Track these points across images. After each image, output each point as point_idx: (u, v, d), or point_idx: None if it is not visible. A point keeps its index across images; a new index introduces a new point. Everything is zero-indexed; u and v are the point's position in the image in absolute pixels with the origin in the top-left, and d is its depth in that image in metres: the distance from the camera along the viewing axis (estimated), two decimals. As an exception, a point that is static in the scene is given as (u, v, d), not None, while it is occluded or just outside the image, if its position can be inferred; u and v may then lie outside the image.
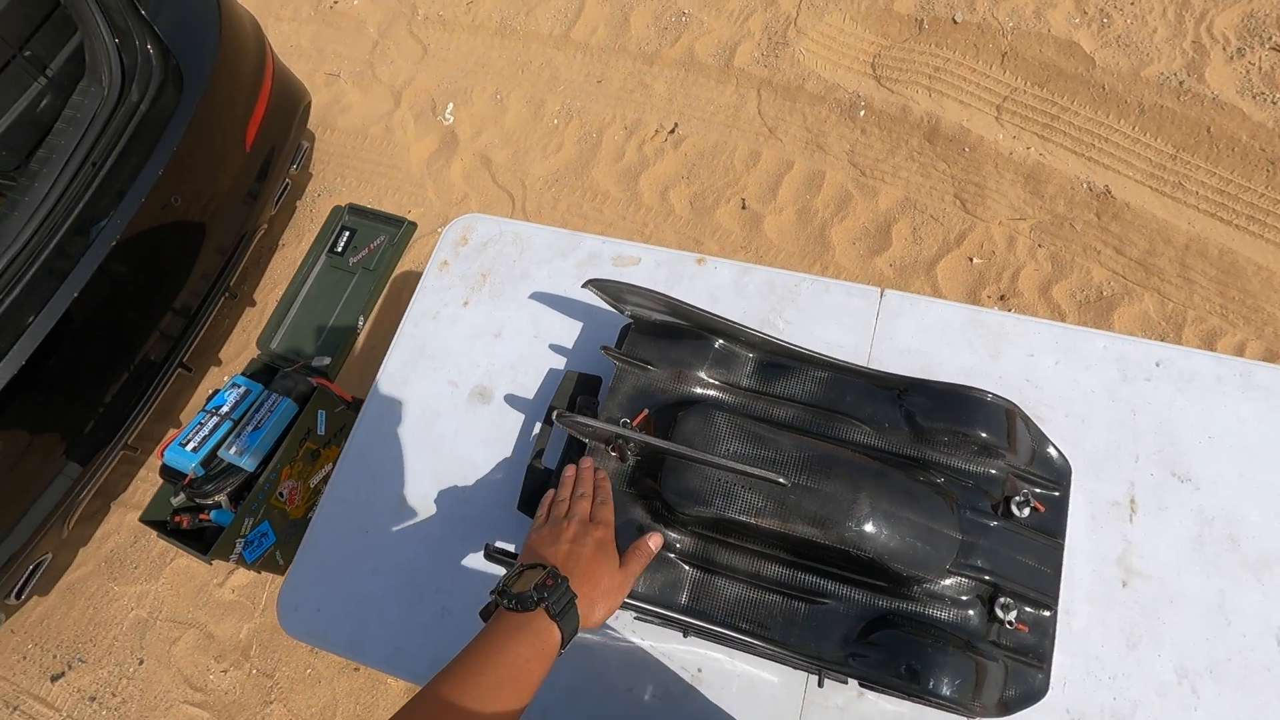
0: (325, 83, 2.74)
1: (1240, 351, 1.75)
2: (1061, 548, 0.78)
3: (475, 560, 0.95)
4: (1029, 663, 0.73)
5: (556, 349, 1.06)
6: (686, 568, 0.79)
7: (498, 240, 1.16)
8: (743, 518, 0.74)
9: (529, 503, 0.87)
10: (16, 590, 1.72)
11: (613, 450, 0.82)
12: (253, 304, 2.31)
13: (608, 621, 0.87)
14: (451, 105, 2.56)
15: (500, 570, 0.88)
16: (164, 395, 1.80)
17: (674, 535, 0.79)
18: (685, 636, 0.83)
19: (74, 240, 1.45)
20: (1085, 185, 1.94)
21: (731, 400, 0.85)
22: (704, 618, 0.77)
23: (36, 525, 1.58)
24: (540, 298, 1.09)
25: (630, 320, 0.91)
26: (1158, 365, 0.92)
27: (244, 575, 1.81)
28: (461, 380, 1.06)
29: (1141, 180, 1.94)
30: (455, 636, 0.91)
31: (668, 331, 0.88)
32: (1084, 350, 0.94)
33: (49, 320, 1.40)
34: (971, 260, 1.97)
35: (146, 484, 2.11)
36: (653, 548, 0.75)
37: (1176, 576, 0.81)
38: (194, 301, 1.76)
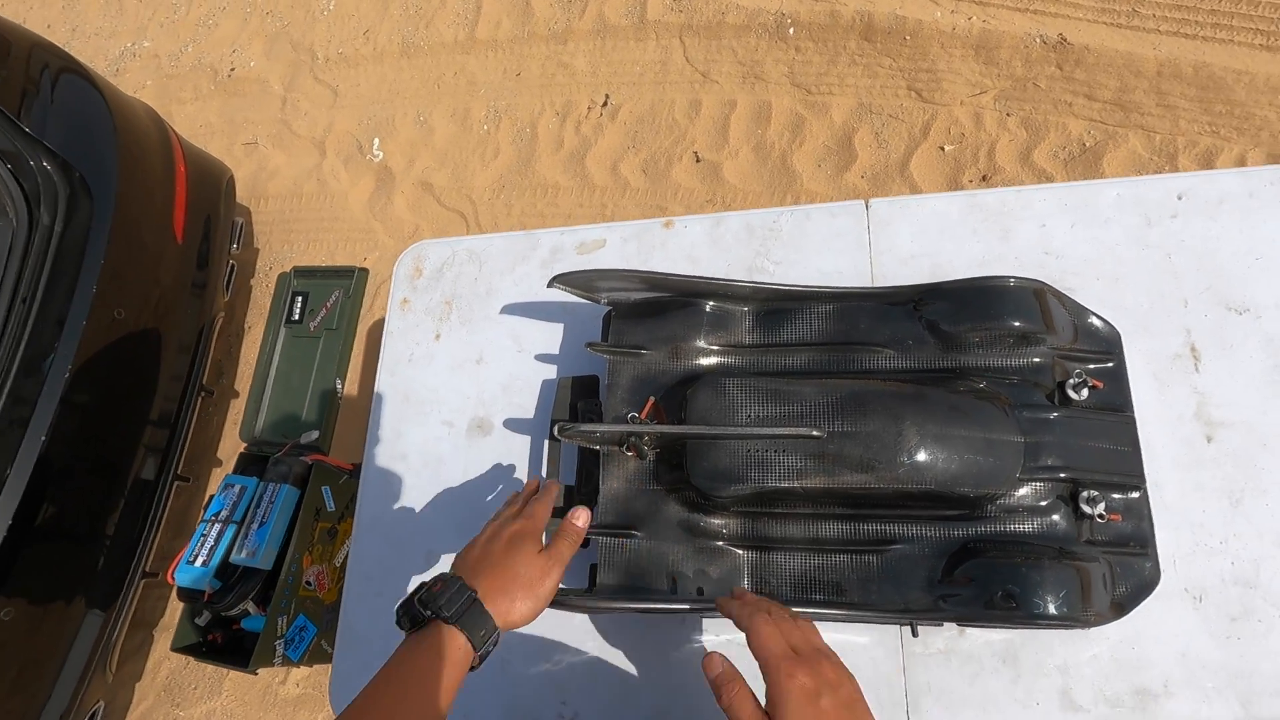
0: (245, 153, 2.64)
1: (1242, 164, 1.66)
2: (1133, 420, 0.71)
3: (519, 600, 0.88)
4: (1132, 552, 0.67)
5: (544, 358, 0.98)
6: (740, 551, 0.72)
7: (452, 262, 1.08)
8: (784, 484, 0.67)
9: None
10: (80, 746, 1.67)
11: (628, 450, 0.75)
12: (236, 395, 2.23)
13: (679, 631, 0.80)
14: (377, 141, 2.46)
15: (571, 618, 0.82)
16: (169, 511, 1.74)
17: (718, 521, 0.72)
18: (759, 622, 0.76)
19: (26, 383, 1.37)
20: (1038, 40, 1.84)
21: (739, 362, 0.78)
22: (774, 600, 0.70)
23: (77, 679, 1.52)
24: (513, 310, 1.02)
25: (610, 307, 0.83)
26: (1180, 199, 0.84)
27: (303, 669, 1.76)
28: (455, 418, 0.99)
29: (1094, 19, 1.84)
30: (522, 685, 0.85)
31: (652, 309, 0.80)
32: (1097, 204, 0.86)
33: (24, 470, 1.33)
34: (943, 149, 1.88)
35: (179, 603, 2.05)
36: (579, 525, 0.68)
37: (1263, 416, 0.74)
38: (170, 408, 1.69)
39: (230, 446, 2.19)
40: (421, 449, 0.99)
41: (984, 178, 1.83)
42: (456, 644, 0.59)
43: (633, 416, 0.75)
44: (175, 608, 2.05)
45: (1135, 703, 0.69)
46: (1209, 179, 0.84)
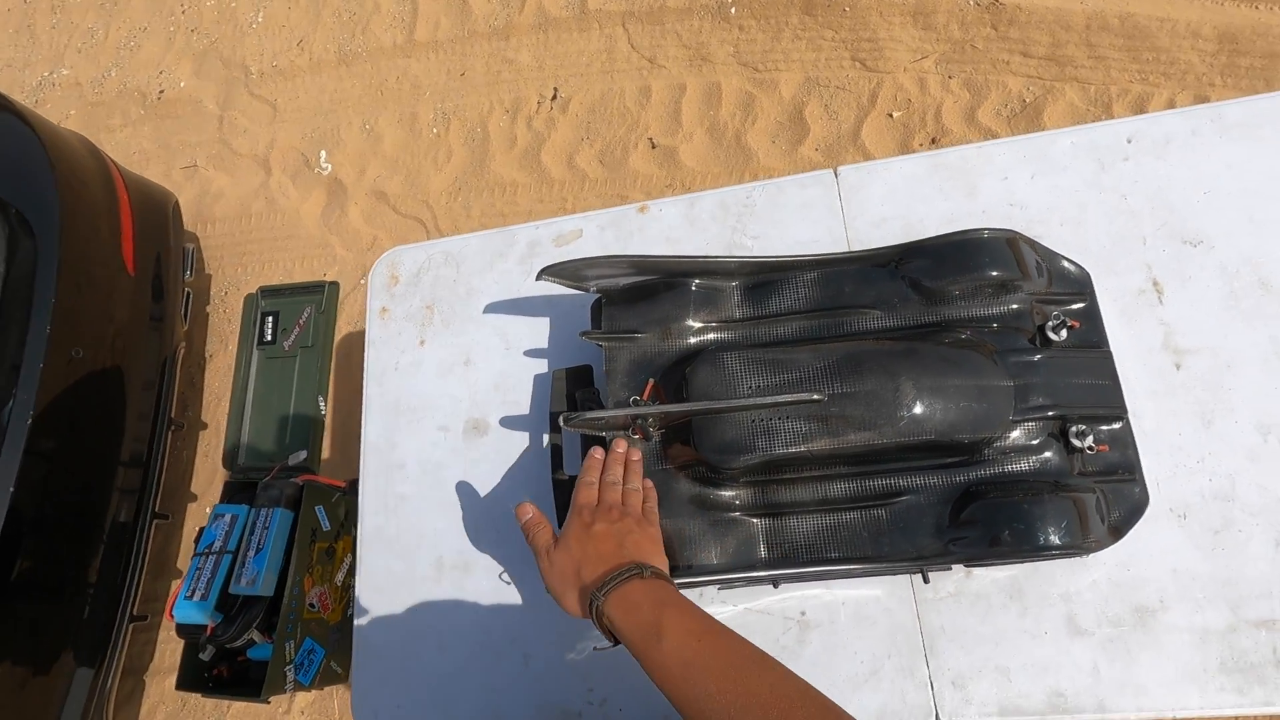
0: (185, 177, 2.55)
1: (1173, 107, 1.74)
2: (1110, 355, 0.74)
3: (536, 595, 0.88)
4: (1122, 479, 0.70)
5: (533, 354, 0.98)
6: (754, 520, 0.74)
7: (428, 266, 1.07)
8: (792, 450, 0.69)
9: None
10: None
11: (634, 433, 0.76)
12: (204, 426, 2.17)
13: (702, 604, 0.82)
14: (324, 153, 2.40)
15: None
16: (150, 552, 1.69)
17: (729, 493, 0.74)
18: (776, 587, 0.78)
19: (-13, 434, 1.32)
20: (972, 2, 1.90)
21: (732, 337, 0.79)
22: (790, 563, 0.72)
23: (73, 732, 1.47)
24: (497, 308, 1.01)
25: (599, 295, 0.84)
26: (1129, 141, 0.88)
27: (306, 695, 1.73)
28: (450, 422, 0.98)
29: (1022, -23, 1.89)
30: (548, 679, 0.86)
31: (641, 293, 0.81)
32: (1053, 153, 0.89)
33: (-5, 524, 1.27)
34: (892, 115, 1.92)
35: (171, 644, 2.00)
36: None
37: (1224, 340, 0.79)
38: (140, 447, 1.63)
39: (204, 479, 2.13)
40: (419, 457, 0.99)
41: (933, 140, 1.88)
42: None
43: (635, 400, 0.76)
44: (166, 650, 1.99)
45: (1135, 620, 0.73)
46: (1154, 121, 0.88)
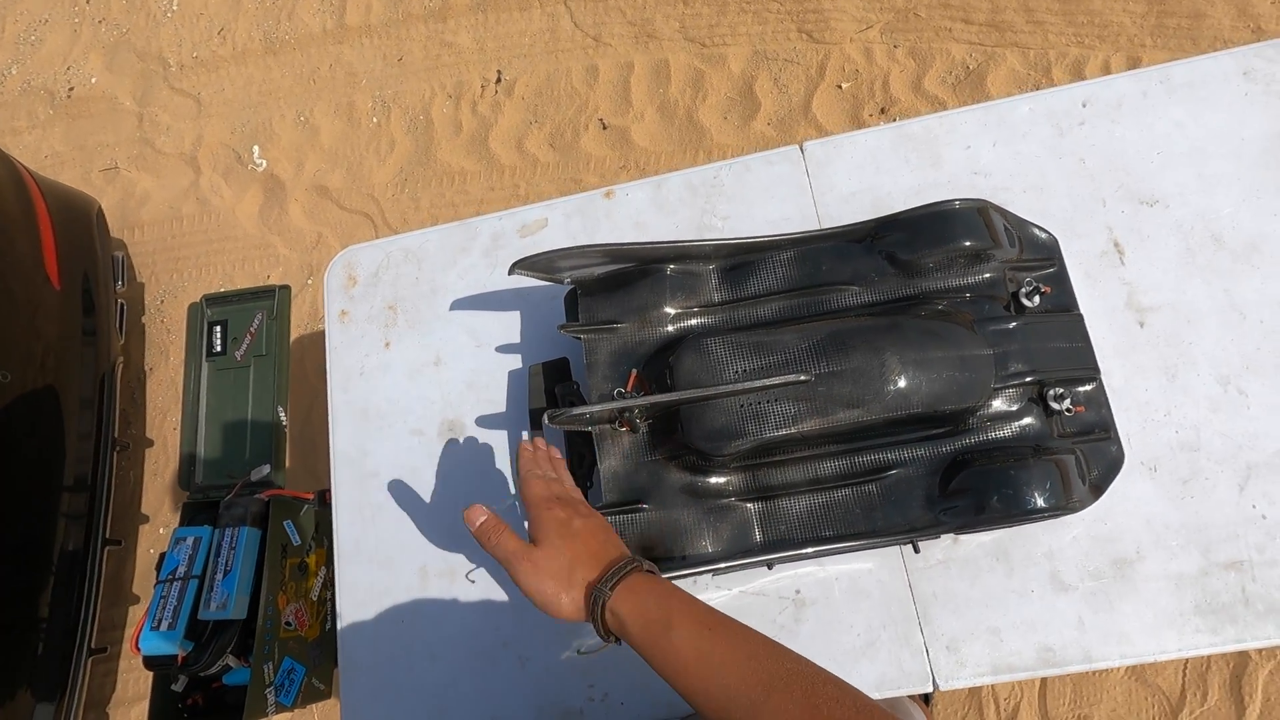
0: (106, 180, 2.39)
1: (1106, 69, 1.80)
2: (1081, 318, 0.76)
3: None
4: (1098, 438, 0.72)
5: (505, 349, 0.95)
6: (747, 505, 0.73)
7: (388, 265, 1.02)
8: (782, 432, 0.69)
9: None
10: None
11: (621, 426, 0.74)
12: (150, 444, 2.07)
13: (696, 596, 0.81)
14: (257, 148, 2.29)
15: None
16: (104, 580, 1.60)
17: (720, 479, 0.73)
18: (771, 569, 0.78)
19: (-89, 471, 1.21)
20: (913, -30, 1.91)
21: (712, 322, 0.78)
22: (786, 545, 0.72)
23: (36, 776, 1.39)
24: (463, 304, 0.98)
25: (573, 286, 0.81)
26: (1084, 105, 0.89)
27: (289, 716, 1.68)
28: (424, 425, 0.95)
29: (960, -56, 1.91)
30: (546, 679, 0.85)
31: (616, 282, 0.79)
32: (1012, 120, 0.90)
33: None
34: (841, 86, 1.93)
35: (132, 673, 1.91)
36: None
37: (1182, 296, 0.81)
38: (84, 469, 1.54)
39: (154, 499, 2.03)
40: (393, 463, 0.95)
41: (882, 110, 1.90)
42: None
43: (619, 392, 0.74)
44: (129, 679, 1.91)
45: (1115, 572, 0.75)
46: (1106, 84, 0.90)
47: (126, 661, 1.91)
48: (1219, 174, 0.84)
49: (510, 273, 0.77)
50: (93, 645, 1.54)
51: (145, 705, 1.88)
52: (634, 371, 0.75)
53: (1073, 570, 0.76)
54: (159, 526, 2.01)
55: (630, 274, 0.79)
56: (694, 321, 0.78)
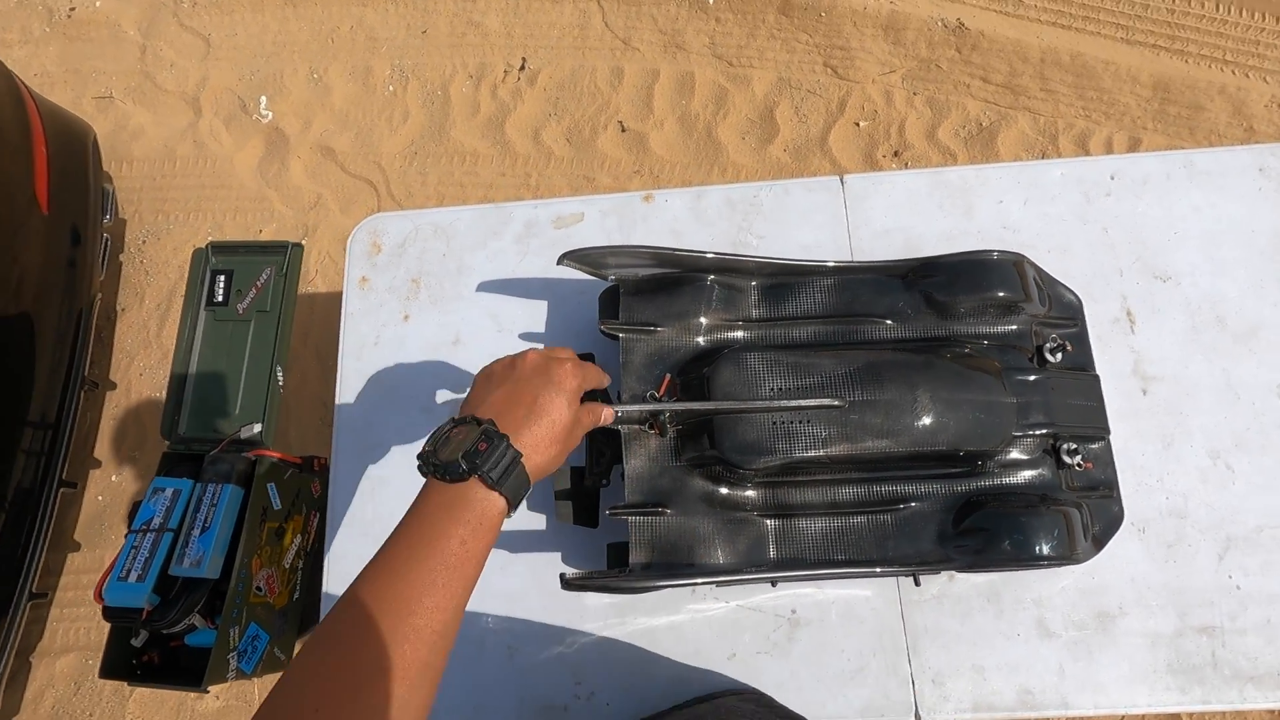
0: (97, 108, 2.30)
1: (1109, 145, 1.88)
2: (1098, 378, 0.79)
3: (521, 585, 0.86)
4: (1103, 495, 0.76)
5: (528, 337, 0.95)
6: (766, 521, 0.74)
7: (415, 238, 1.01)
8: (811, 453, 0.70)
9: (587, 510, 0.78)
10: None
11: (650, 428, 0.75)
12: (113, 386, 1.98)
13: (691, 599, 0.82)
14: (264, 99, 2.23)
15: (582, 598, 0.81)
16: (53, 523, 1.52)
17: (742, 493, 0.74)
18: (774, 586, 0.80)
19: None
20: (940, 23, 1.97)
21: (749, 337, 0.80)
22: (798, 564, 0.73)
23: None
24: (490, 287, 0.97)
25: (613, 282, 0.82)
26: (1113, 178, 0.94)
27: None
28: (435, 404, 0.94)
29: (987, 6, 1.99)
30: (533, 673, 0.84)
31: (658, 285, 0.80)
32: (1044, 182, 0.94)
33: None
34: (858, 124, 1.97)
35: (63, 623, 1.82)
36: (606, 419, 0.65)
37: (1185, 370, 0.86)
38: (51, 406, 1.46)
39: (108, 446, 1.95)
40: (399, 437, 0.94)
41: (896, 153, 1.95)
42: (495, 507, 0.54)
43: (651, 394, 0.75)
44: (58, 629, 1.82)
45: (1097, 624, 0.79)
46: (1134, 161, 0.95)
47: (59, 609, 1.82)
48: (1229, 259, 0.89)
49: (559, 262, 0.77)
50: (34, 589, 1.46)
51: (71, 658, 1.81)
52: (668, 376, 0.76)
53: (1059, 618, 0.79)
54: (110, 474, 1.93)
55: (673, 279, 0.79)
56: (730, 334, 0.79)
